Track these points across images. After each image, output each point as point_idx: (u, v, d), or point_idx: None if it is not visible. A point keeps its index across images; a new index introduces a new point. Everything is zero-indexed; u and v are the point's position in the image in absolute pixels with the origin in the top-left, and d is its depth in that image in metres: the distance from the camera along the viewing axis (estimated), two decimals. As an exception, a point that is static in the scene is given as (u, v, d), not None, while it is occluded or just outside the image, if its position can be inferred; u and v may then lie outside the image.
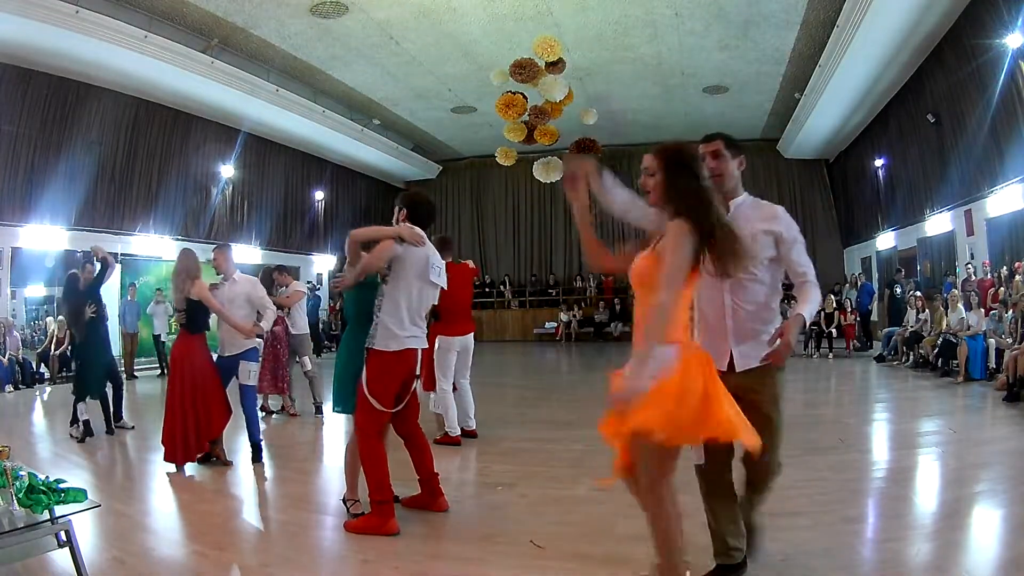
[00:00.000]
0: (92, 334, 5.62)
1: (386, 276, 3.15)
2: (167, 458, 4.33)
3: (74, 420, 5.38)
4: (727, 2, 9.36)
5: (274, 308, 4.94)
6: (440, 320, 4.92)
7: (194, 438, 4.30)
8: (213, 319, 4.61)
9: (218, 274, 4.75)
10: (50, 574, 2.58)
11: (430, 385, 4.95)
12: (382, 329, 3.08)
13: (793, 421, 5.41)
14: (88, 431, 5.32)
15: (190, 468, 4.37)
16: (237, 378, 4.58)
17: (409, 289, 3.15)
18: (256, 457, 4.52)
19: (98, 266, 5.70)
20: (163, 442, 4.35)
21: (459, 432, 4.97)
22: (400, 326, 3.10)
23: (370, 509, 3.11)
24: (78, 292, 5.66)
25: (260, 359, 5.20)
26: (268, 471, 4.49)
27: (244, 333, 4.52)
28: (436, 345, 4.90)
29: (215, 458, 4.49)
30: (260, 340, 5.17)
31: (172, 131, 12.06)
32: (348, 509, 3.29)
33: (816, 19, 9.80)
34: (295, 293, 6.65)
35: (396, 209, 3.37)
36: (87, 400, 5.38)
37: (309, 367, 6.70)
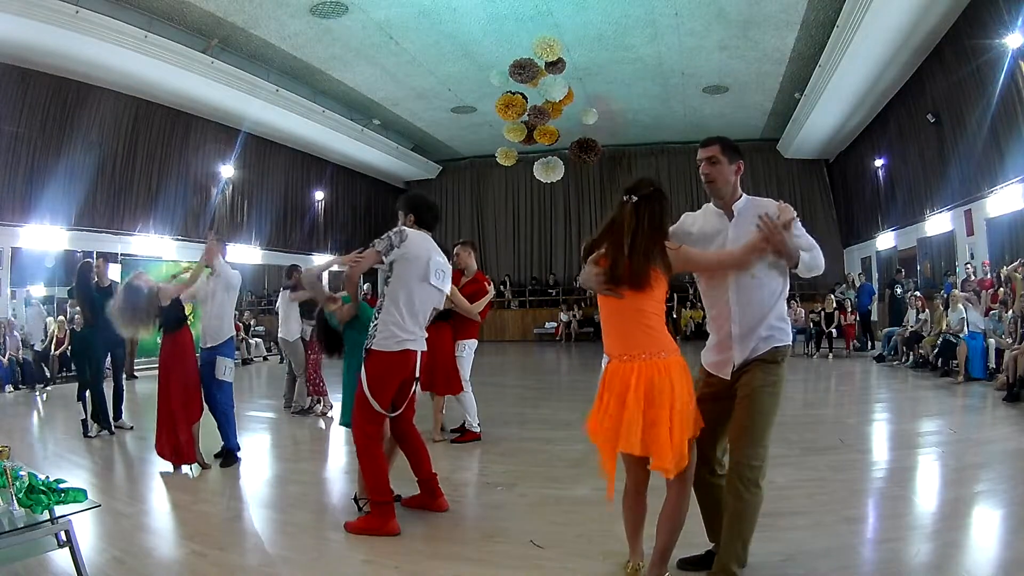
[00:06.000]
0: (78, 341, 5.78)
1: (388, 277, 3.13)
2: (174, 461, 4.33)
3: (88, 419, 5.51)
4: (727, 2, 9.37)
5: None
6: (463, 323, 5.03)
7: (184, 435, 4.26)
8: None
9: (207, 266, 4.53)
10: (50, 574, 2.58)
11: (457, 388, 4.99)
12: (382, 328, 3.07)
13: (793, 421, 5.49)
14: (86, 428, 5.46)
15: (188, 468, 4.35)
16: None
17: (409, 290, 3.11)
18: (228, 461, 4.41)
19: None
20: (161, 445, 4.33)
21: (478, 428, 5.08)
22: (399, 326, 3.07)
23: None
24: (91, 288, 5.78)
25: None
26: (268, 471, 4.48)
27: (191, 280, 4.45)
28: (465, 348, 5.06)
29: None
30: (234, 332, 5.00)
31: (172, 131, 12.07)
32: (361, 507, 3.27)
33: (816, 19, 9.80)
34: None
35: (401, 214, 3.32)
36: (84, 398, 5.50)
37: (298, 372, 6.66)
